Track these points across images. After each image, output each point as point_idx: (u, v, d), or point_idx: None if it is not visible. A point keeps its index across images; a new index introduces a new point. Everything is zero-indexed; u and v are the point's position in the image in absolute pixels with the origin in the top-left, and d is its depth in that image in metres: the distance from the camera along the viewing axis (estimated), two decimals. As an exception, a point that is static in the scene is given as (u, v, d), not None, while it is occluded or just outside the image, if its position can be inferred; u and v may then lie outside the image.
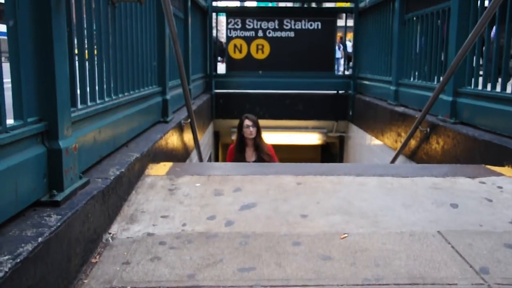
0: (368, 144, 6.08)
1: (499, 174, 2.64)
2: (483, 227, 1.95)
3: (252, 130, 4.61)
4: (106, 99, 2.39)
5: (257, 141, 4.67)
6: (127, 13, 2.77)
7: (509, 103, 2.99)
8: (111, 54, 2.49)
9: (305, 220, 2.01)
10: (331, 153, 8.92)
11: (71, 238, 1.46)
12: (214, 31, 7.54)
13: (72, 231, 1.47)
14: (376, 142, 5.61)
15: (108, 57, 2.44)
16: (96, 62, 2.32)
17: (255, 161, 4.62)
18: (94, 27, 2.27)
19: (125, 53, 2.74)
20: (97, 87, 2.30)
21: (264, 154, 4.65)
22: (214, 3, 7.20)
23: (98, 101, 2.27)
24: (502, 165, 2.78)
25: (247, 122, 4.63)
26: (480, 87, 3.47)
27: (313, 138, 7.84)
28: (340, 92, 7.30)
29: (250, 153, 4.69)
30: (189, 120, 4.00)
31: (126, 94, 2.73)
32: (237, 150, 4.71)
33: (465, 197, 2.31)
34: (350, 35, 8.63)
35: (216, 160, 7.75)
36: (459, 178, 2.60)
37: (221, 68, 8.00)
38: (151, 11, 3.41)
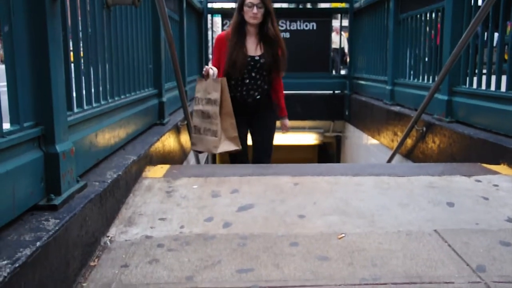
0: (365, 143, 6.10)
1: (495, 173, 2.65)
2: (480, 226, 1.96)
3: (258, 12, 3.28)
4: (103, 102, 2.39)
5: (266, 30, 3.37)
6: (122, 16, 2.77)
7: (504, 102, 3.01)
8: (107, 57, 2.49)
9: (303, 221, 2.02)
10: (328, 153, 8.94)
11: (69, 242, 1.46)
12: (210, 32, 7.54)
13: (70, 235, 1.47)
14: (373, 141, 5.63)
15: (103, 60, 2.45)
16: (92, 65, 2.32)
17: (260, 57, 3.41)
18: (90, 30, 2.28)
19: (121, 56, 2.74)
20: (93, 90, 2.30)
21: (274, 46, 3.42)
22: (210, 5, 7.21)
23: (94, 104, 2.27)
24: (498, 163, 2.79)
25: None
26: (475, 85, 3.49)
27: (310, 138, 7.86)
28: (336, 92, 7.32)
29: (253, 45, 3.42)
30: (185, 122, 4.00)
31: (122, 97, 2.73)
32: (233, 37, 3.37)
33: (461, 195, 2.32)
34: (346, 35, 8.65)
35: (214, 161, 7.75)
36: (455, 177, 2.61)
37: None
38: (146, 13, 3.41)
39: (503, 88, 3.09)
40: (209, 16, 7.32)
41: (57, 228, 1.37)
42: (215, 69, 3.23)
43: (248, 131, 3.68)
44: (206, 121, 3.17)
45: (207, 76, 3.20)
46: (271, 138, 3.71)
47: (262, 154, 3.67)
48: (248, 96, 3.50)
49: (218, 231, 1.91)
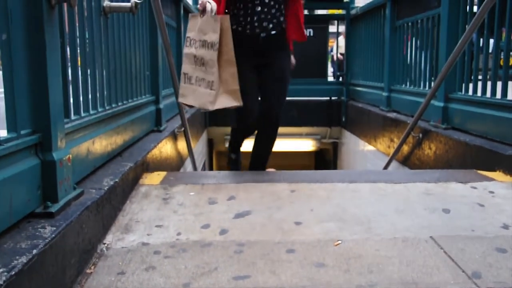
0: (362, 150, 6.11)
1: (491, 179, 2.67)
2: (475, 232, 1.97)
3: None
4: (100, 109, 2.40)
5: None
6: (120, 23, 2.79)
7: (500, 108, 3.03)
8: (104, 64, 2.50)
9: (299, 228, 2.02)
10: (325, 159, 8.95)
11: (66, 249, 1.47)
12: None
13: (67, 242, 1.47)
14: (369, 147, 5.64)
15: (101, 67, 2.46)
16: (89, 73, 2.32)
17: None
18: (87, 38, 2.29)
19: (118, 63, 2.75)
20: (90, 98, 2.30)
21: None
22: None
23: (91, 112, 2.28)
24: (493, 170, 2.81)
25: None
26: (470, 92, 3.51)
27: (307, 145, 7.87)
28: (333, 98, 7.34)
29: None
30: (182, 129, 4.01)
31: (119, 104, 2.74)
32: None
33: (457, 202, 2.33)
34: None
35: (210, 167, 7.76)
36: (451, 184, 2.62)
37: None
38: (144, 20, 3.42)
39: (498, 94, 3.11)
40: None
41: (53, 235, 1.37)
42: (213, 3, 2.59)
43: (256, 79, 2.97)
44: (200, 69, 2.61)
45: (203, 11, 2.59)
46: (285, 90, 3.01)
47: (273, 109, 2.94)
48: (260, 28, 2.79)
49: (215, 238, 1.91)
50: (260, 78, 2.93)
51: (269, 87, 2.92)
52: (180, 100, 2.74)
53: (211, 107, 2.58)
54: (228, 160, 3.41)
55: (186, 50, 2.69)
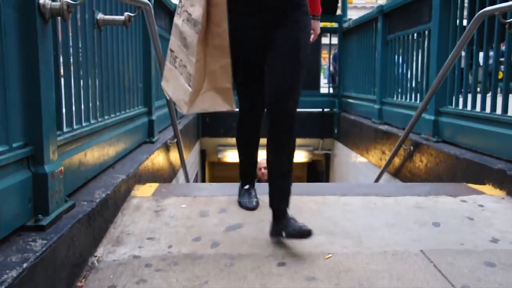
0: (354, 161, 6.14)
1: (480, 193, 2.69)
2: (464, 246, 1.99)
3: None
4: (92, 121, 2.40)
5: None
6: (113, 36, 2.80)
7: (489, 123, 3.07)
8: (97, 77, 2.51)
9: (291, 241, 2.02)
10: (317, 170, 8.97)
11: (57, 262, 1.46)
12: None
13: (58, 255, 1.47)
14: (361, 159, 5.67)
15: (94, 79, 2.46)
16: (82, 85, 2.33)
17: None
18: (80, 50, 2.30)
19: (111, 75, 2.76)
20: (83, 110, 2.31)
21: None
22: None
23: (84, 124, 2.28)
24: (483, 183, 2.83)
25: None
26: (460, 106, 3.55)
27: (299, 156, 7.89)
28: (325, 110, 7.38)
29: None
30: (175, 140, 4.02)
31: (112, 115, 2.74)
32: None
33: (447, 216, 2.35)
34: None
35: (203, 178, 7.75)
36: (441, 197, 2.64)
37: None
38: (137, 32, 3.44)
39: (487, 109, 3.15)
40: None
41: (44, 249, 1.37)
42: None
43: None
44: (183, 50, 1.92)
45: None
46: (300, 70, 2.02)
47: (284, 95, 1.96)
48: None
49: (206, 251, 1.92)
50: (266, 49, 2.02)
51: (276, 65, 1.96)
52: (162, 84, 2.14)
53: (185, 110, 1.88)
54: (239, 192, 2.51)
55: (175, 18, 2.00)
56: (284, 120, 1.97)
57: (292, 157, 2.06)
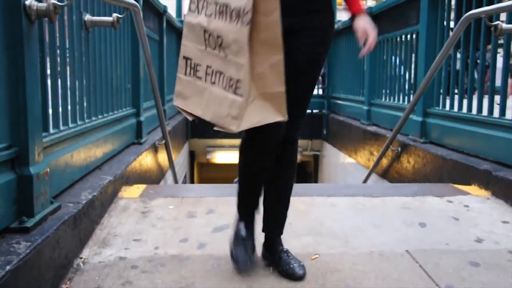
0: (342, 162, 6.17)
1: (466, 193, 2.72)
2: (450, 246, 2.01)
3: None
4: (79, 122, 2.39)
5: None
6: (101, 37, 2.79)
7: (475, 124, 3.10)
8: (85, 78, 2.50)
9: (277, 242, 2.03)
10: (306, 171, 8.99)
11: (41, 265, 1.45)
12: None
13: (42, 257, 1.46)
14: (350, 160, 5.70)
15: (81, 80, 2.45)
16: (69, 86, 2.32)
17: None
18: (68, 52, 2.29)
19: (99, 76, 2.75)
20: (69, 111, 2.30)
21: None
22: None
23: (71, 125, 2.27)
24: (469, 184, 2.86)
25: None
26: (447, 108, 3.58)
27: (288, 157, 7.89)
28: (314, 111, 7.40)
29: None
30: (163, 141, 4.01)
31: (99, 116, 2.73)
32: None
33: (433, 216, 2.37)
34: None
35: (192, 179, 7.74)
36: (427, 198, 2.67)
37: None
38: (126, 34, 3.43)
39: (474, 110, 3.18)
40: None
41: (28, 251, 1.36)
42: None
43: None
44: (214, 53, 1.54)
45: None
46: (313, 88, 1.79)
47: (292, 126, 1.71)
48: None
49: (193, 252, 1.92)
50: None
51: (291, 82, 1.56)
52: (176, 103, 1.69)
53: (235, 127, 1.48)
54: (234, 236, 1.83)
55: (189, 17, 1.61)
56: (289, 147, 1.82)
57: (293, 182, 1.91)
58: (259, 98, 1.49)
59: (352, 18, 1.79)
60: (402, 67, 4.60)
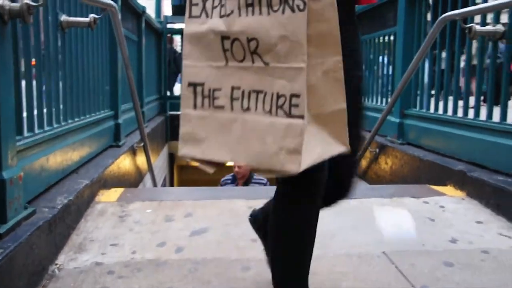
0: (322, 163, 6.19)
1: (442, 194, 2.76)
2: (425, 247, 2.03)
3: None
4: (55, 125, 2.36)
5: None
6: (78, 38, 2.76)
7: (450, 125, 3.15)
8: (61, 80, 2.46)
9: (256, 244, 2.02)
10: (287, 172, 9.01)
11: (14, 272, 1.43)
12: (169, 45, 7.54)
13: (15, 264, 1.44)
14: (330, 162, 5.72)
15: (57, 82, 2.42)
16: (44, 88, 2.29)
17: None
18: (43, 53, 2.25)
19: (76, 78, 2.71)
20: (45, 114, 2.26)
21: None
22: (170, 25, 7.23)
23: (46, 128, 2.24)
24: (444, 184, 2.90)
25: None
26: (424, 109, 3.63)
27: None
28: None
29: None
30: (142, 144, 3.98)
31: (76, 119, 2.70)
32: None
33: (409, 217, 2.40)
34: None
35: (171, 182, 7.69)
36: (404, 199, 2.70)
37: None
38: (103, 35, 3.39)
39: (449, 112, 3.23)
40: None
41: (0, 258, 1.34)
42: None
43: None
44: (243, 66, 1.08)
45: None
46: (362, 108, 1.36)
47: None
48: None
49: (170, 256, 1.90)
50: None
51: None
52: (186, 152, 1.21)
53: (296, 165, 1.00)
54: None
55: (191, 26, 1.14)
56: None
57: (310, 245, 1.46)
58: (313, 122, 1.04)
59: None
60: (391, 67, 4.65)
